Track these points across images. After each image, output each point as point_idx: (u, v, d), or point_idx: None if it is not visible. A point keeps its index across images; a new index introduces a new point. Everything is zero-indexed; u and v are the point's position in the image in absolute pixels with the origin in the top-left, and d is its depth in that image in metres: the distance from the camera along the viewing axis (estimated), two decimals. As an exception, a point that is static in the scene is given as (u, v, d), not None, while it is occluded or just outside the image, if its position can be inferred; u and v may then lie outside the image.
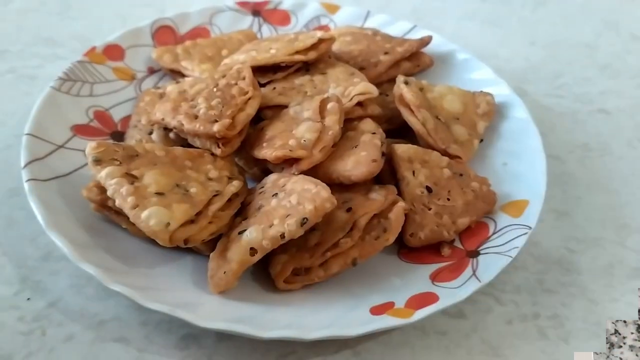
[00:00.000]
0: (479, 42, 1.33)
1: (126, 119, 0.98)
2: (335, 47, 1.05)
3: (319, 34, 0.99)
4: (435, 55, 1.11)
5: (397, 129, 0.98)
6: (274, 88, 0.95)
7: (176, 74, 1.06)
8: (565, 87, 1.21)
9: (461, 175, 0.86)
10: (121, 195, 0.72)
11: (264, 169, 0.87)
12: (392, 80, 1.05)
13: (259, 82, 0.95)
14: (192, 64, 1.03)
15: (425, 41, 1.10)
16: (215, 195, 0.76)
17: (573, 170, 1.02)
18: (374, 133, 0.85)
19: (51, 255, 0.76)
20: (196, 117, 0.85)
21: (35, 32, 1.23)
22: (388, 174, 0.85)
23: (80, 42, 1.21)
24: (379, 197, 0.78)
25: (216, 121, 0.83)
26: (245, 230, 0.73)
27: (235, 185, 0.79)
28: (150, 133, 0.91)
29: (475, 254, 0.79)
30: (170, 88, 0.97)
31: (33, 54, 1.18)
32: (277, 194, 0.76)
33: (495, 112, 0.99)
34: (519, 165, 0.91)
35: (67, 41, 1.21)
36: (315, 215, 0.71)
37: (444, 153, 0.89)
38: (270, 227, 0.71)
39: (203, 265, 0.75)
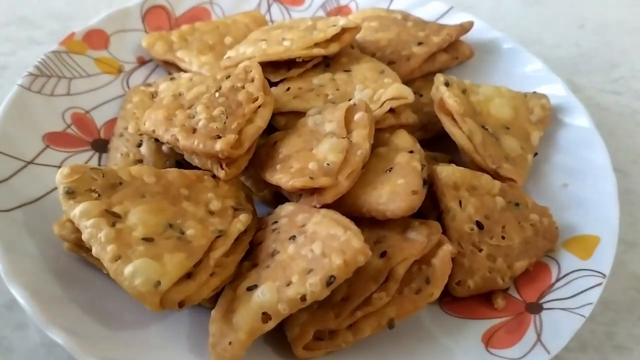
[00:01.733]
0: (520, 24, 1.15)
1: (111, 124, 0.82)
2: (360, 35, 0.88)
3: (342, 21, 0.82)
4: (474, 43, 0.94)
5: (432, 138, 0.83)
6: (288, 89, 0.79)
7: (171, 67, 0.89)
8: (622, 81, 1.04)
9: (517, 204, 0.70)
10: (99, 243, 0.57)
11: (277, 192, 0.72)
12: (426, 76, 0.90)
13: (269, 81, 0.79)
14: (189, 54, 0.87)
15: (466, 28, 0.93)
16: (218, 237, 0.61)
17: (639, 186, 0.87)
18: (411, 152, 0.70)
19: (18, 304, 0.61)
20: (194, 130, 0.69)
21: (8, 9, 1.06)
22: (428, 201, 0.69)
23: (59, 22, 1.04)
24: (419, 237, 0.63)
25: (219, 137, 0.67)
26: (255, 286, 0.58)
27: (242, 221, 0.64)
28: (139, 145, 0.76)
29: (537, 308, 0.64)
30: (164, 87, 0.81)
31: (5, 37, 1.01)
32: (295, 237, 0.61)
33: (550, 119, 0.83)
34: (583, 188, 0.76)
35: (45, 21, 1.04)
36: (345, 272, 0.56)
37: (494, 175, 0.73)
38: (288, 285, 0.56)
39: (204, 322, 0.60)
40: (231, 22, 0.93)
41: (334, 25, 0.81)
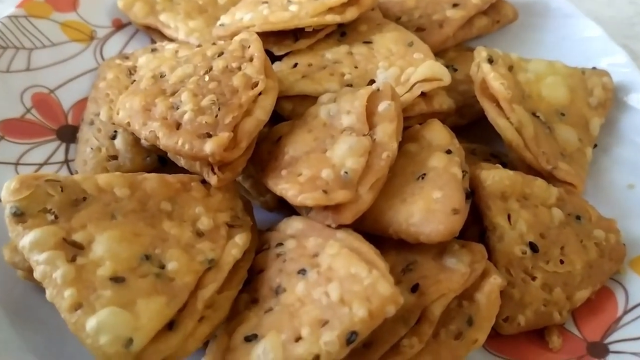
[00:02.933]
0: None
1: (80, 106, 0.68)
2: (382, -6, 0.73)
3: (361, -19, 0.67)
4: (517, 2, 0.78)
5: (469, 123, 0.69)
6: (295, 65, 0.65)
7: (153, 32, 0.74)
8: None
9: (578, 218, 0.57)
10: (54, 285, 0.44)
11: (282, 199, 0.59)
12: (461, 44, 0.75)
13: (271, 55, 0.65)
14: (175, 18, 0.71)
15: (510, -15, 0.77)
16: (208, 269, 0.49)
17: None
18: (449, 151, 0.56)
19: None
20: (178, 125, 0.55)
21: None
22: (469, 213, 0.56)
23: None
24: (460, 265, 0.50)
25: (209, 135, 0.53)
26: (255, 336, 0.46)
27: (239, 245, 0.51)
28: (114, 137, 0.62)
29: (601, 350, 0.52)
30: (143, 61, 0.67)
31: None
32: (305, 271, 0.49)
33: (612, 101, 0.69)
34: (653, 191, 0.62)
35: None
36: (370, 326, 0.44)
37: (549, 176, 0.60)
38: (297, 341, 0.44)
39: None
40: (226, -21, 0.77)
41: (352, -14, 0.66)
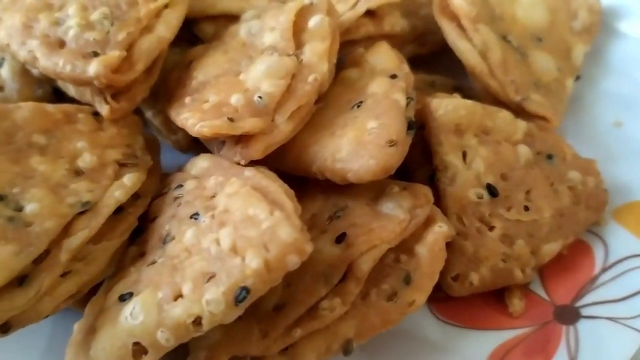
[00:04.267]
0: None
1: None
2: None
3: None
4: None
5: (431, 53, 0.58)
6: (221, -19, 0.55)
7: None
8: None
9: (550, 157, 0.47)
10: None
11: (196, 138, 0.49)
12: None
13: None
14: None
15: None
16: (82, 213, 0.39)
17: None
18: (393, 76, 0.46)
19: None
20: (62, 44, 0.45)
21: None
22: (417, 151, 0.47)
23: None
24: (398, 211, 0.41)
25: (96, 54, 0.44)
26: (130, 294, 0.37)
27: (126, 186, 0.42)
28: None
29: (571, 315, 0.43)
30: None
31: None
32: (197, 215, 0.39)
33: (600, 26, 0.58)
34: (645, 128, 0.52)
35: None
36: (266, 282, 0.34)
37: (518, 110, 0.50)
38: (176, 300, 0.35)
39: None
40: None
41: None
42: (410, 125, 0.43)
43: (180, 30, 0.49)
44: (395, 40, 0.54)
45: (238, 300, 0.34)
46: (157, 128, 0.52)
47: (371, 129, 0.42)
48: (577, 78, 0.56)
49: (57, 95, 0.52)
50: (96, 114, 0.47)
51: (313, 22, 0.46)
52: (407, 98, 0.44)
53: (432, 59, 0.58)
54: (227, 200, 0.38)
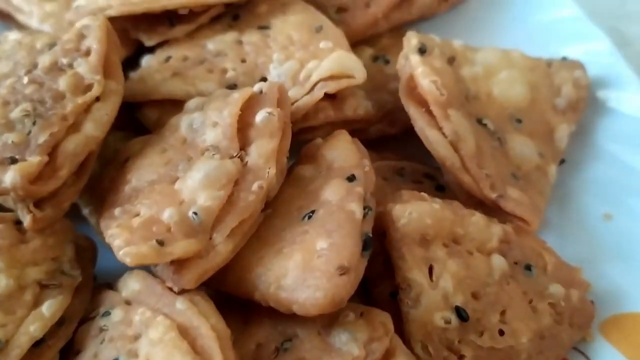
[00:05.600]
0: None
1: None
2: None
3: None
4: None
5: (400, 134, 0.53)
6: (168, 59, 0.50)
7: (7, 19, 0.59)
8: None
9: (528, 268, 0.42)
10: None
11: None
12: (395, 31, 0.59)
13: (143, 46, 0.50)
14: (29, 1, 0.56)
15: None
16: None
17: None
18: (351, 178, 0.41)
19: None
20: (-23, 145, 0.40)
21: None
22: (380, 261, 0.41)
23: None
24: (351, 346, 0.36)
25: (14, 160, 0.39)
26: None
27: (44, 318, 0.37)
28: None
29: None
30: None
31: None
32: (117, 362, 0.34)
33: (586, 102, 0.53)
34: (637, 222, 0.47)
35: None
36: None
37: (493, 206, 0.45)
38: None
39: None
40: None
41: (245, -49, 0.51)
42: (365, 244, 0.38)
43: (122, 115, 0.45)
44: (360, 124, 0.49)
45: None
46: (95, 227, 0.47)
47: (321, 249, 0.37)
48: (562, 162, 0.50)
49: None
50: (19, 222, 0.42)
51: (260, 116, 0.41)
52: (365, 208, 0.39)
53: (403, 138, 0.53)
54: (150, 349, 0.33)
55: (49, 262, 0.41)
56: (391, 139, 0.53)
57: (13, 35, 0.53)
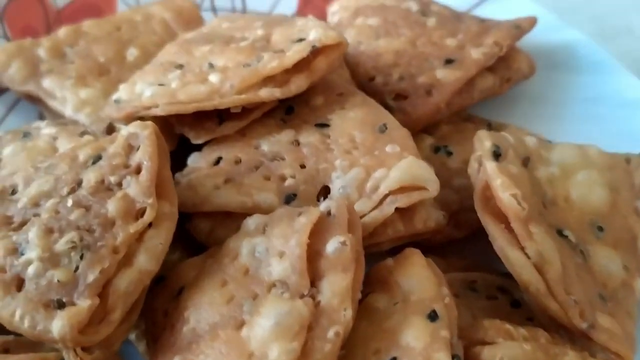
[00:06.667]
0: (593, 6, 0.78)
1: None
2: (349, 39, 0.53)
3: (314, 32, 0.47)
4: (535, 50, 0.58)
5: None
6: (218, 161, 0.46)
7: (40, 103, 0.54)
8: None
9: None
10: None
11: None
12: (455, 115, 0.55)
13: (188, 143, 0.46)
14: (62, 85, 0.52)
15: (524, 28, 0.57)
16: None
17: None
18: (433, 315, 0.37)
19: None
20: (20, 283, 0.36)
21: None
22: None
23: None
24: None
25: (61, 304, 0.35)
26: None
27: None
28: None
29: None
30: (8, 154, 0.48)
31: None
32: None
33: (669, 200, 0.49)
34: None
35: None
36: None
37: (582, 335, 0.41)
38: None
39: None
40: (142, 18, 0.57)
41: (300, 41, 0.46)
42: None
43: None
44: (427, 234, 0.45)
45: None
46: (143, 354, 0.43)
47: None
48: (646, 273, 0.46)
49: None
50: (63, 363, 0.38)
51: (332, 247, 0.37)
52: (453, 357, 0.35)
53: (469, 241, 0.49)
54: None
55: (98, 412, 0.37)
56: (456, 243, 0.49)
57: (47, 130, 0.49)
